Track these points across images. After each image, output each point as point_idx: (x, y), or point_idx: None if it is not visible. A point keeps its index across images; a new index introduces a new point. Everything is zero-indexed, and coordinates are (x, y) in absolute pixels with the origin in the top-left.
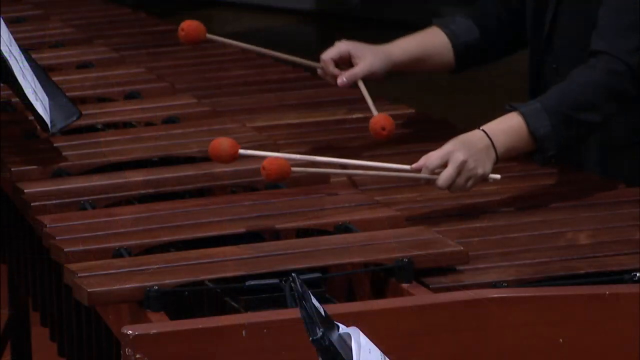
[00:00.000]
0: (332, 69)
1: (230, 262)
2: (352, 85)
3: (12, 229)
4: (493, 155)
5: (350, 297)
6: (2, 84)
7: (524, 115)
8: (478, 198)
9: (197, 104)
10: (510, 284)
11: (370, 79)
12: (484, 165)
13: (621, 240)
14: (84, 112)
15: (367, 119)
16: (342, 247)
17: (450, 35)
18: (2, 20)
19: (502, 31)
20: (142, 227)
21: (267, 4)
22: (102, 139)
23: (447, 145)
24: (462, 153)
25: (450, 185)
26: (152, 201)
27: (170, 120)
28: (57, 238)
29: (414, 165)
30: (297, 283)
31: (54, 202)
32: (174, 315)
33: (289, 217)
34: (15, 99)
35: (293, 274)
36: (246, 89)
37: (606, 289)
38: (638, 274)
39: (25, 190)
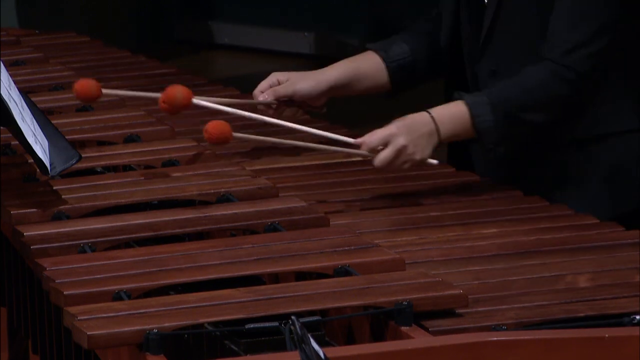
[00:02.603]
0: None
1: (229, 305)
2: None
3: (12, 272)
4: (435, 139)
5: (350, 340)
6: (1, 127)
7: (469, 106)
8: (477, 241)
9: (197, 147)
10: (510, 327)
11: (305, 103)
12: (423, 151)
13: (620, 283)
14: (83, 155)
15: (365, 162)
16: (342, 290)
17: (384, 57)
18: (1, 63)
19: (434, 52)
20: (141, 270)
21: (267, 47)
22: (101, 182)
23: (391, 126)
24: (404, 137)
25: (386, 167)
26: (152, 244)
27: (169, 164)
28: (56, 281)
29: (356, 140)
30: (297, 326)
31: (54, 245)
32: (173, 359)
33: (288, 260)
34: (14, 142)
35: (293, 317)
36: (245, 132)
37: (606, 332)
38: (637, 317)
39: (24, 233)
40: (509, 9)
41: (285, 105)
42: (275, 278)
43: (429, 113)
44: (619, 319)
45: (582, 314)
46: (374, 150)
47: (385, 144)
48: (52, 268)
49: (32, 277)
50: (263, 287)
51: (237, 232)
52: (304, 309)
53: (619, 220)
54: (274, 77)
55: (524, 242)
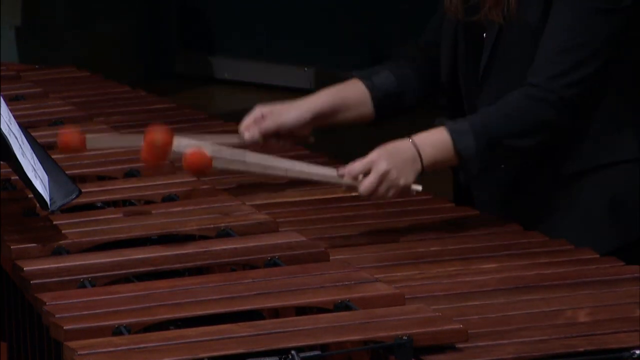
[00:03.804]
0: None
1: (229, 340)
2: (260, 140)
3: (12, 307)
4: (419, 166)
5: None
6: (1, 162)
7: (451, 133)
8: (477, 276)
9: (197, 182)
10: None
11: (291, 134)
12: (406, 176)
13: (620, 318)
14: (83, 190)
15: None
16: (342, 324)
17: (369, 85)
18: (1, 98)
19: (418, 80)
20: (141, 305)
21: (267, 82)
22: (101, 217)
23: (373, 154)
24: (386, 162)
25: (371, 194)
26: (152, 279)
27: (169, 198)
28: (56, 316)
29: (339, 171)
30: None
31: (54, 279)
32: None
33: (288, 295)
34: (14, 177)
35: (293, 352)
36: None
37: None
38: (637, 352)
39: (24, 268)
40: (506, 43)
41: (272, 138)
42: (275, 313)
43: (411, 139)
44: (619, 354)
45: (581, 349)
46: (358, 179)
47: (367, 171)
48: (52, 303)
49: (32, 311)
50: (263, 321)
51: (237, 267)
52: (304, 343)
53: (623, 250)
54: (258, 111)
55: (524, 277)
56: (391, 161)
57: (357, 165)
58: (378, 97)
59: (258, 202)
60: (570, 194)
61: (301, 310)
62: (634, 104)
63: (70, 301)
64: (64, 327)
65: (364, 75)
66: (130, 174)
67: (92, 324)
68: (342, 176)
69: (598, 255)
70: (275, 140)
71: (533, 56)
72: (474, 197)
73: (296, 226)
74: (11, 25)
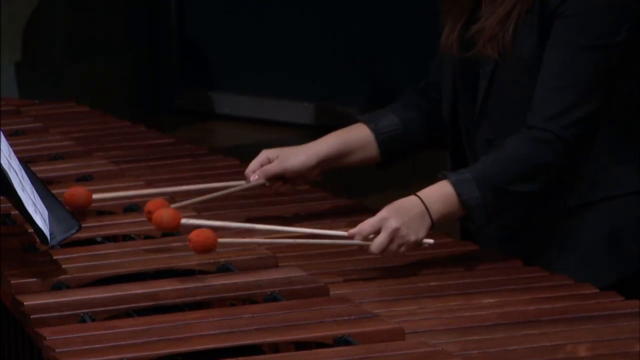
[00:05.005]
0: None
1: None
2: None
3: (12, 341)
4: (428, 221)
5: None
6: (1, 197)
7: (454, 185)
8: (477, 311)
9: (197, 216)
10: None
11: (297, 178)
12: (417, 232)
13: (620, 352)
14: (83, 225)
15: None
16: (342, 359)
17: (373, 129)
18: (1, 133)
19: (423, 122)
20: (141, 340)
21: (267, 117)
22: (101, 252)
23: (382, 212)
24: (395, 220)
25: (383, 252)
26: (152, 314)
27: (169, 233)
28: (56, 351)
29: (349, 232)
30: None
31: (54, 314)
32: None
33: (288, 329)
34: (14, 212)
35: None
36: (245, 202)
37: None
38: None
39: (25, 303)
40: (502, 79)
41: (279, 181)
42: (275, 348)
43: (417, 195)
44: None
45: None
46: (368, 239)
47: (377, 231)
48: (52, 337)
49: (32, 346)
50: (263, 357)
51: (237, 302)
52: None
53: (622, 283)
54: (264, 155)
55: (524, 312)
56: (400, 219)
57: (366, 226)
58: (383, 140)
59: (258, 237)
60: (571, 227)
61: (301, 345)
62: (634, 136)
63: (71, 336)
64: None
65: (369, 119)
66: (129, 209)
67: (92, 359)
68: (352, 237)
69: (598, 290)
70: (281, 184)
71: (529, 92)
72: (477, 232)
73: (296, 261)
74: (11, 60)
